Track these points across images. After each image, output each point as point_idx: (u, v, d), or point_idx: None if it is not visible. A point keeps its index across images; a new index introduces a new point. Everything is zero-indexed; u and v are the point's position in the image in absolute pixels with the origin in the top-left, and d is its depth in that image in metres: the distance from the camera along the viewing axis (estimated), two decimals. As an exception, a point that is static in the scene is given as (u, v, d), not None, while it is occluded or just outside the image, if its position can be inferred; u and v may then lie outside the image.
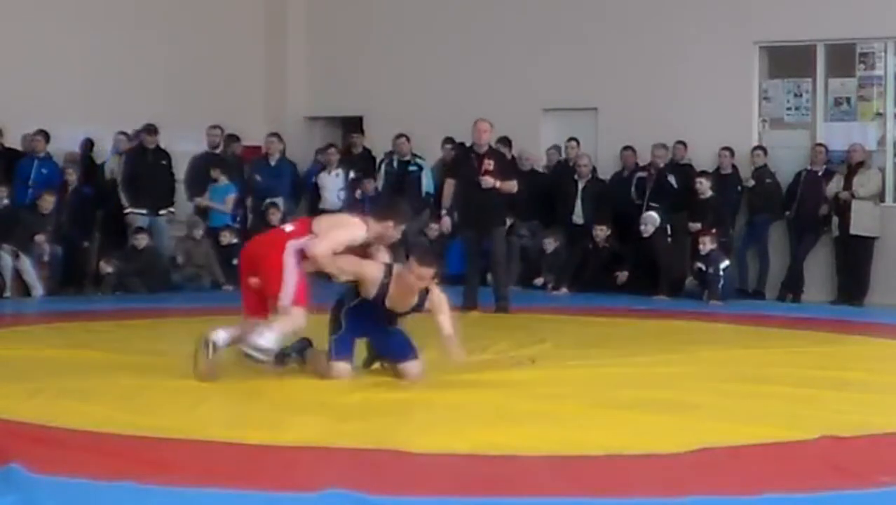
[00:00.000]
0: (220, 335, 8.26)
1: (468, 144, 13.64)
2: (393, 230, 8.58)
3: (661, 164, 15.60)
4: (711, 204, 15.00)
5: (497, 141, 16.56)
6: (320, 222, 8.53)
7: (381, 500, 5.19)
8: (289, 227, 8.65)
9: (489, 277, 15.90)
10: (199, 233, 15.62)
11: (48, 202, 14.81)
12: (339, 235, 8.34)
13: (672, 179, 15.51)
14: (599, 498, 5.42)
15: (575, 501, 5.37)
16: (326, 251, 8.24)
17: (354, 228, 8.46)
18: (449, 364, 8.29)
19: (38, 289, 14.39)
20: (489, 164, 12.73)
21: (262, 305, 8.39)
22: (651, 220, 14.99)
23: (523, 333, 10.34)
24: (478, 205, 12.76)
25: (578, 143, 16.34)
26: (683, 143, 15.73)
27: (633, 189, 15.66)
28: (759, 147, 15.48)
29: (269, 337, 8.17)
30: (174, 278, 15.34)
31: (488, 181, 12.61)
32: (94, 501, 5.27)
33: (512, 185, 13.11)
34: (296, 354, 8.61)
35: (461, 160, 13.49)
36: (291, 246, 8.30)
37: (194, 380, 8.17)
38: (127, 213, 15.42)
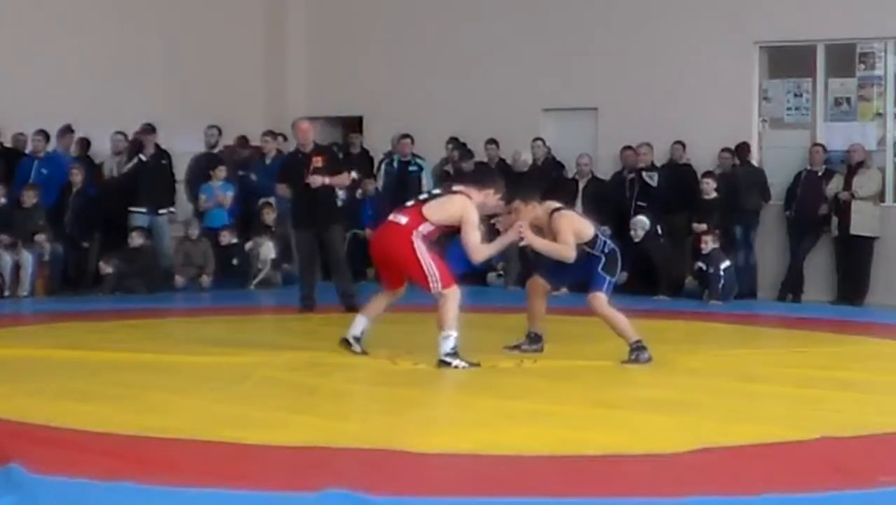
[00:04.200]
0: (356, 328, 9.32)
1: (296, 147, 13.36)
2: (493, 198, 9.25)
3: (643, 165, 15.60)
4: (716, 205, 15.00)
5: (486, 143, 16.57)
6: (430, 207, 9.08)
7: (381, 500, 5.19)
8: (403, 220, 9.09)
9: (490, 277, 15.96)
10: (195, 232, 15.62)
11: (29, 197, 14.82)
12: (473, 221, 9.04)
13: (652, 179, 15.50)
14: (599, 498, 5.42)
15: (575, 501, 5.37)
16: (479, 248, 9.07)
17: (470, 207, 9.07)
18: None
19: (25, 287, 14.38)
20: (317, 161, 12.65)
21: (399, 279, 9.29)
22: (640, 224, 15.00)
23: (524, 333, 10.32)
24: (309, 204, 12.62)
25: (543, 141, 16.32)
26: (682, 143, 15.72)
27: (626, 190, 15.66)
28: (742, 144, 15.42)
29: (450, 337, 8.83)
30: (177, 281, 15.33)
31: (316, 180, 12.50)
32: (94, 501, 5.26)
33: (343, 179, 13.15)
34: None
35: (289, 163, 13.34)
36: (416, 236, 8.94)
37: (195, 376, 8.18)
38: (130, 212, 15.40)
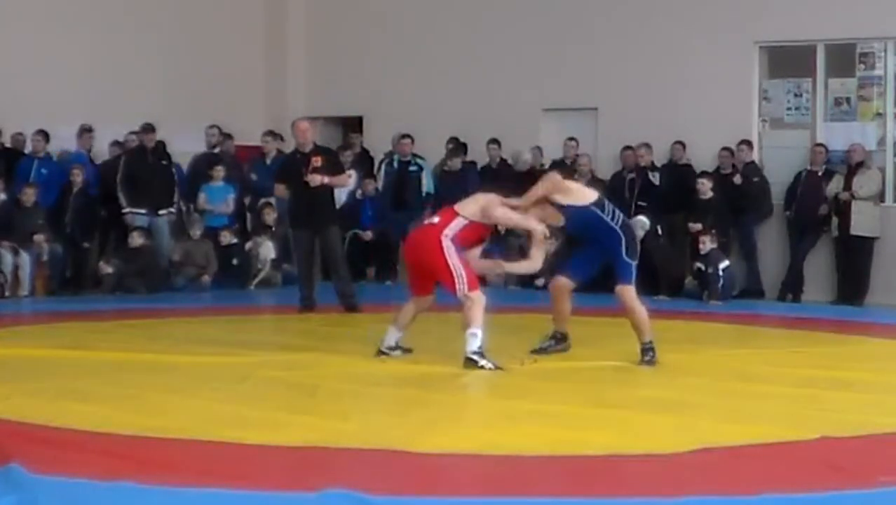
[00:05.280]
0: (389, 339, 9.28)
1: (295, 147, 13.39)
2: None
3: (644, 164, 15.60)
4: (713, 205, 14.99)
5: (488, 143, 16.57)
6: (465, 206, 9.13)
7: (381, 500, 5.19)
8: (435, 219, 9.17)
9: (490, 277, 15.94)
10: (197, 232, 15.62)
11: (28, 196, 14.82)
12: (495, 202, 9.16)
13: (654, 178, 15.52)
14: (599, 498, 5.42)
15: (575, 501, 5.37)
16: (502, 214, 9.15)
17: (492, 197, 9.24)
18: None
19: (25, 287, 14.40)
20: (316, 161, 12.66)
21: (428, 285, 9.22)
22: (640, 224, 14.94)
23: (524, 333, 10.34)
24: (308, 204, 12.64)
25: (577, 142, 16.33)
26: (682, 144, 15.72)
27: (626, 190, 15.64)
28: (745, 142, 15.43)
29: (476, 335, 8.75)
30: (177, 281, 15.33)
31: (315, 178, 12.51)
32: (94, 501, 5.26)
33: (342, 179, 13.29)
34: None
35: (288, 164, 13.37)
36: (446, 237, 8.92)
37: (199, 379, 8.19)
38: (125, 213, 15.38)
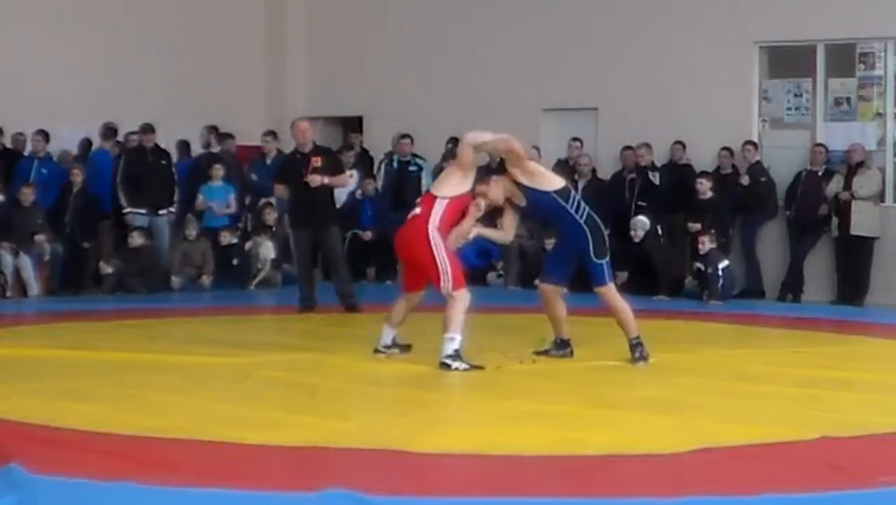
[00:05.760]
0: (385, 338, 9.31)
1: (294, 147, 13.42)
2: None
3: (644, 164, 15.61)
4: (712, 204, 15.00)
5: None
6: (441, 186, 9.12)
7: (381, 500, 5.19)
8: (418, 210, 9.09)
9: (490, 277, 15.95)
10: (192, 233, 15.60)
11: (27, 196, 14.82)
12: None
13: (654, 178, 15.54)
14: (599, 498, 5.42)
15: (575, 501, 5.37)
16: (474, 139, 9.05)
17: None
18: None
19: (33, 288, 14.42)
20: (316, 161, 12.66)
21: (420, 281, 9.18)
22: (640, 224, 15.00)
23: (524, 333, 10.34)
24: (308, 204, 12.63)
25: (582, 143, 16.33)
26: (682, 144, 15.72)
27: (626, 190, 15.65)
28: (751, 142, 15.44)
29: (454, 339, 8.76)
30: (174, 281, 15.31)
31: (315, 179, 12.51)
32: (94, 501, 5.27)
33: (342, 180, 13.35)
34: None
35: (288, 164, 13.35)
36: (433, 228, 8.89)
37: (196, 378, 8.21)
38: (126, 213, 15.39)
